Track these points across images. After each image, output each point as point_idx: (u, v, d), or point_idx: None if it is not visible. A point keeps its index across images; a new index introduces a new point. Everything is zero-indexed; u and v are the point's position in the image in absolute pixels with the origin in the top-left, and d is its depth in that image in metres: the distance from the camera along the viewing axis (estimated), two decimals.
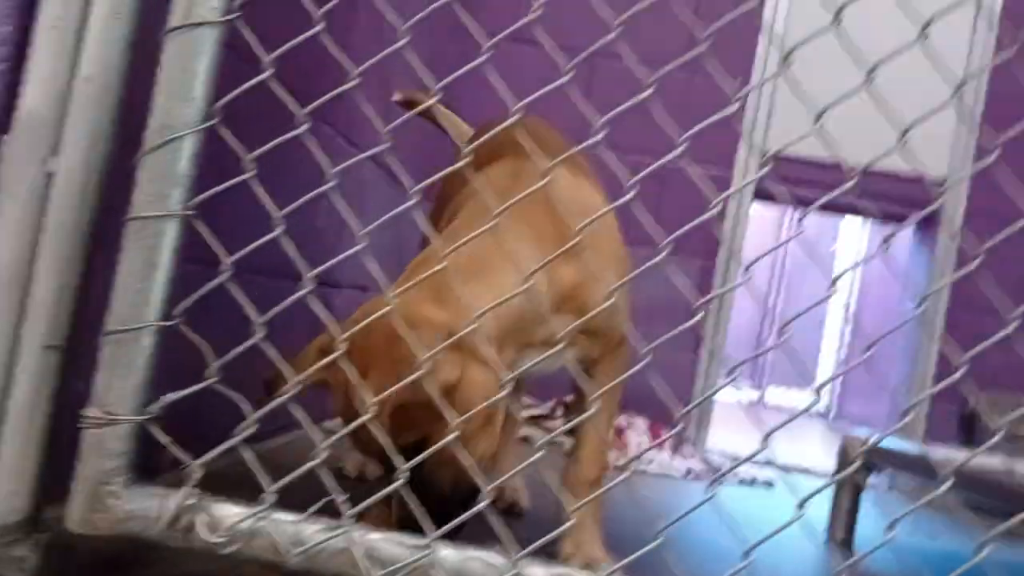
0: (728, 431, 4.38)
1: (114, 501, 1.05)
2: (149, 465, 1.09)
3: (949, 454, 2.69)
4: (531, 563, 1.03)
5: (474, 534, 1.09)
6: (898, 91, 1.31)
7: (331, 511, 1.05)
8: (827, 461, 3.89)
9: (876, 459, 2.54)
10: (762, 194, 4.28)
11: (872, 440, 2.55)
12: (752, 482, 3.55)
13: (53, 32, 1.08)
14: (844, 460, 2.66)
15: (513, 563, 1.02)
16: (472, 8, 1.25)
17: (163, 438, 1.06)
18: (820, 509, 2.74)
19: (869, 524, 2.79)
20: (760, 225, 5.32)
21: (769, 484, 3.58)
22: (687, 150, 1.03)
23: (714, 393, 4.34)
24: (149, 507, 1.05)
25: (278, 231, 1.10)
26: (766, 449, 1.01)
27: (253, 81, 1.11)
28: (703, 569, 1.74)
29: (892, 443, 2.62)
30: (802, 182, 4.20)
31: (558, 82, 1.08)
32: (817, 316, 8.54)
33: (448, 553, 1.03)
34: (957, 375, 1.03)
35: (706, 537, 2.09)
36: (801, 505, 1.02)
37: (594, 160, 1.73)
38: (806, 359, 9.01)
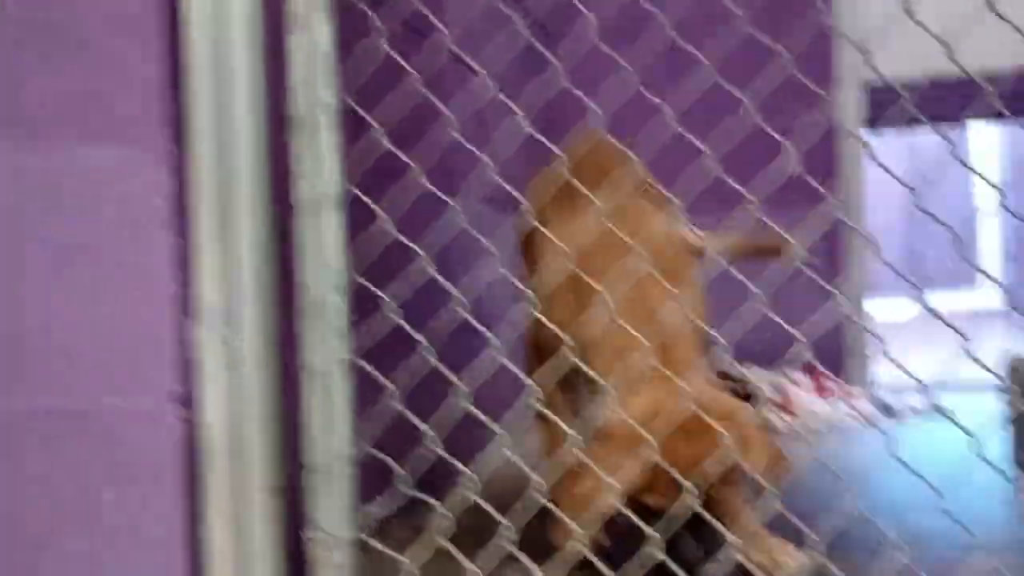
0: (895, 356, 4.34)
1: None
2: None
3: None
4: None
5: None
6: None
7: None
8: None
9: None
10: (872, 124, 4.23)
11: None
12: (929, 412, 3.55)
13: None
14: (1015, 380, 2.65)
15: None
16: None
17: (377, 545, 1.26)
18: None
19: None
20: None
21: (940, 410, 3.56)
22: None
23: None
24: None
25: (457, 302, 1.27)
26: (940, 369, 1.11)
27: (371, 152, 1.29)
28: (896, 520, 1.81)
29: None
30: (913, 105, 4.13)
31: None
32: (966, 214, 8.28)
33: None
34: None
35: (894, 483, 2.15)
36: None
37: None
38: (964, 255, 8.65)
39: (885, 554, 1.12)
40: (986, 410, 1.08)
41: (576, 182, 1.78)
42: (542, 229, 1.33)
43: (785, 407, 3.51)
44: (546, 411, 1.74)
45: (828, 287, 1.26)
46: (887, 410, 3.61)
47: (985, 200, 7.96)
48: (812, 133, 3.93)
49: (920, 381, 1.12)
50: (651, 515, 1.39)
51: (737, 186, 1.29)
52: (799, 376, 3.85)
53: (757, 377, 3.72)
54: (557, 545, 1.76)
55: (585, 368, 1.59)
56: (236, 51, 1.24)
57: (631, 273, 1.53)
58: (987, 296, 9.25)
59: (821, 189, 1.31)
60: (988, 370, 1.10)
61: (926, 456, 1.11)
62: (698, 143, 1.20)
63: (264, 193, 1.29)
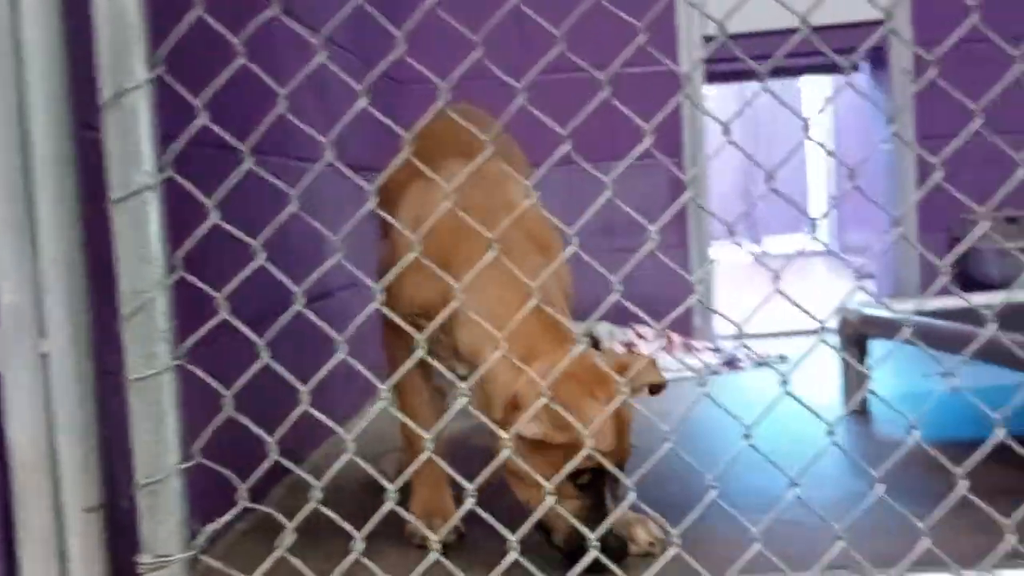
0: (736, 300, 4.48)
1: None
2: None
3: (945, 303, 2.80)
4: None
5: None
6: None
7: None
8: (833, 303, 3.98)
9: (872, 330, 2.65)
10: (713, 77, 4.31)
11: (863, 313, 2.65)
12: (766, 363, 3.68)
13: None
14: (843, 334, 2.77)
15: None
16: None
17: (216, 564, 1.16)
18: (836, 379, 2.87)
19: (881, 386, 2.93)
20: (719, 107, 5.35)
21: (783, 359, 3.71)
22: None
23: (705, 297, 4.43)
24: None
25: (261, 257, 1.17)
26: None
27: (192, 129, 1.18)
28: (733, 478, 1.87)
29: (884, 311, 2.73)
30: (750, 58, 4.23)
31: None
32: (799, 166, 8.71)
33: None
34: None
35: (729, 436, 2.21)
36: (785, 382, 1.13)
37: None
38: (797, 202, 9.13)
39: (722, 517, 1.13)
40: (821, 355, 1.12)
41: (440, 147, 1.71)
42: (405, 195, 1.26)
43: None
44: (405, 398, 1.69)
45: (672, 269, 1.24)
46: (729, 361, 3.72)
47: (815, 149, 8.36)
48: (654, 86, 3.95)
49: (740, 328, 1.12)
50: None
51: (584, 163, 1.24)
52: (646, 330, 3.92)
53: (606, 332, 3.77)
54: (413, 536, 1.71)
55: (453, 339, 1.55)
56: (27, 24, 1.09)
57: (500, 239, 1.48)
58: (818, 240, 9.71)
59: (670, 163, 1.27)
60: (809, 314, 1.12)
61: (761, 406, 1.12)
62: (544, 117, 1.14)
63: (71, 183, 1.15)
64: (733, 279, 5.60)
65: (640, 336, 3.87)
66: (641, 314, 1.27)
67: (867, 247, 6.63)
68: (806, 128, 1.20)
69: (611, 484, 1.54)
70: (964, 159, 1.15)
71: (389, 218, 1.35)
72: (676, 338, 3.78)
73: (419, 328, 1.28)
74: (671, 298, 1.21)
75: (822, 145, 1.41)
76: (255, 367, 1.16)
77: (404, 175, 1.84)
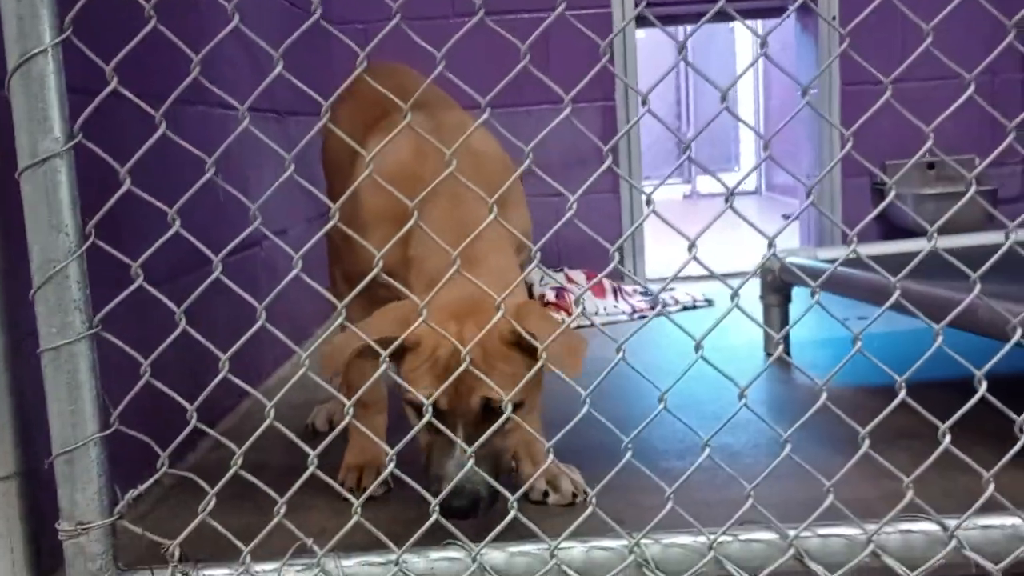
0: (667, 243, 4.53)
1: None
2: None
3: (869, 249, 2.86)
4: (491, 551, 1.17)
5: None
6: None
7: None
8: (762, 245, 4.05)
9: (792, 278, 2.71)
10: (644, 22, 4.30)
11: (783, 262, 2.71)
12: (693, 306, 3.74)
13: None
14: (765, 279, 2.83)
15: (473, 557, 1.16)
16: None
17: (136, 530, 1.17)
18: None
19: (803, 331, 3.01)
20: (652, 51, 5.34)
21: (709, 303, 3.78)
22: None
23: (643, 222, 4.48)
24: None
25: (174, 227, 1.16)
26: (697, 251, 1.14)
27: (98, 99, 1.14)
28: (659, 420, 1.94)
29: (807, 260, 2.79)
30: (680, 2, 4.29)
31: None
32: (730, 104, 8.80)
33: (415, 561, 1.17)
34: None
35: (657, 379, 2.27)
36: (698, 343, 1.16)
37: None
38: (728, 144, 9.26)
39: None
40: (747, 294, 1.17)
41: (391, 96, 1.70)
42: (356, 147, 1.23)
43: (560, 306, 3.60)
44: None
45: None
46: (655, 304, 3.77)
47: (743, 90, 8.48)
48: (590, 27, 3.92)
49: (642, 285, 1.14)
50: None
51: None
52: (576, 274, 3.96)
53: (536, 277, 3.79)
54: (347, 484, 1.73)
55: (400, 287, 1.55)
56: None
57: (454, 189, 1.50)
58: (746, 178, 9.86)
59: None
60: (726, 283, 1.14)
61: (686, 348, 1.15)
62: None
63: None
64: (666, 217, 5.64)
65: (571, 280, 3.90)
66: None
67: (794, 187, 6.75)
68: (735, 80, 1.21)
69: (469, 431, 1.44)
70: (886, 105, 1.18)
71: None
72: (607, 283, 3.81)
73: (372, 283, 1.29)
74: (604, 240, 1.21)
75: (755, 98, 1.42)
76: (174, 335, 1.15)
77: (359, 133, 1.82)
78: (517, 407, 1.41)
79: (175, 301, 1.14)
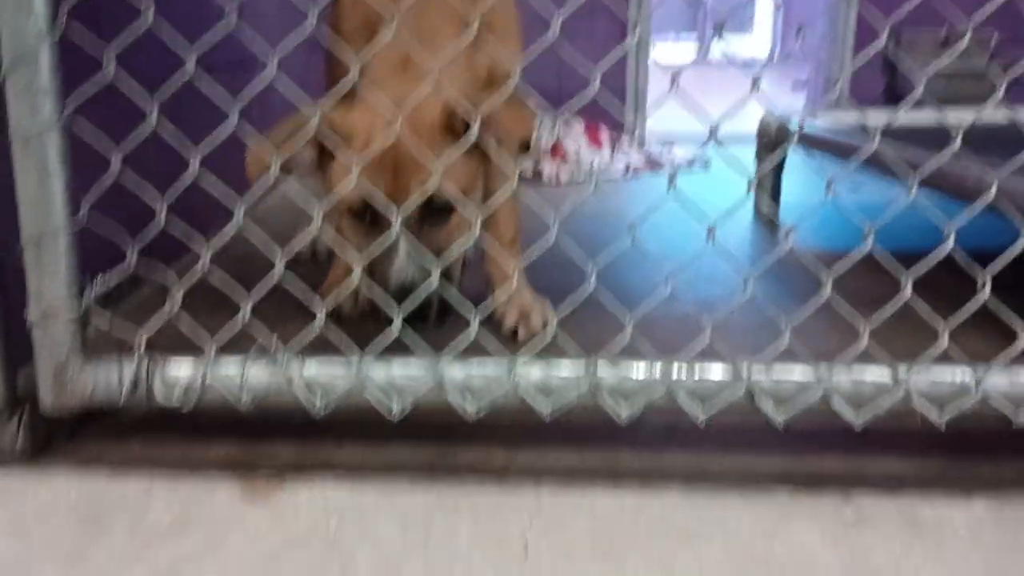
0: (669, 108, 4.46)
1: (76, 382, 1.19)
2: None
3: (875, 117, 2.83)
4: (451, 365, 1.19)
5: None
6: None
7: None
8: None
9: (787, 139, 2.68)
10: None
11: (784, 124, 2.67)
12: (690, 165, 3.71)
13: None
14: (761, 140, 2.79)
15: (432, 369, 1.18)
16: None
17: (104, 322, 1.19)
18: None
19: (795, 197, 3.00)
20: None
21: (706, 164, 3.74)
22: None
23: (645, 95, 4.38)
24: (109, 380, 1.19)
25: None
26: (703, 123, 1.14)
27: None
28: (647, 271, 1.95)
29: (796, 122, 2.75)
30: None
31: None
32: None
33: (376, 371, 1.19)
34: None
35: (649, 235, 2.27)
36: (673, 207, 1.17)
37: None
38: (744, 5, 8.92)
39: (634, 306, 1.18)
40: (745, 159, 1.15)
41: None
42: None
43: (556, 152, 3.57)
44: None
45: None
46: (651, 162, 3.74)
47: None
48: None
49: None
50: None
51: None
52: (574, 122, 3.90)
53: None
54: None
55: None
56: None
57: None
58: (760, 43, 9.63)
59: None
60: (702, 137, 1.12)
61: (681, 208, 1.15)
62: None
63: None
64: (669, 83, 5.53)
65: (566, 132, 3.85)
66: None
67: (806, 55, 6.59)
68: None
69: (411, 233, 1.40)
70: None
71: None
72: (605, 134, 3.77)
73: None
74: (603, 95, 1.19)
75: None
76: (144, 132, 1.14)
77: None
78: (460, 205, 1.40)
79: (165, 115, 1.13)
